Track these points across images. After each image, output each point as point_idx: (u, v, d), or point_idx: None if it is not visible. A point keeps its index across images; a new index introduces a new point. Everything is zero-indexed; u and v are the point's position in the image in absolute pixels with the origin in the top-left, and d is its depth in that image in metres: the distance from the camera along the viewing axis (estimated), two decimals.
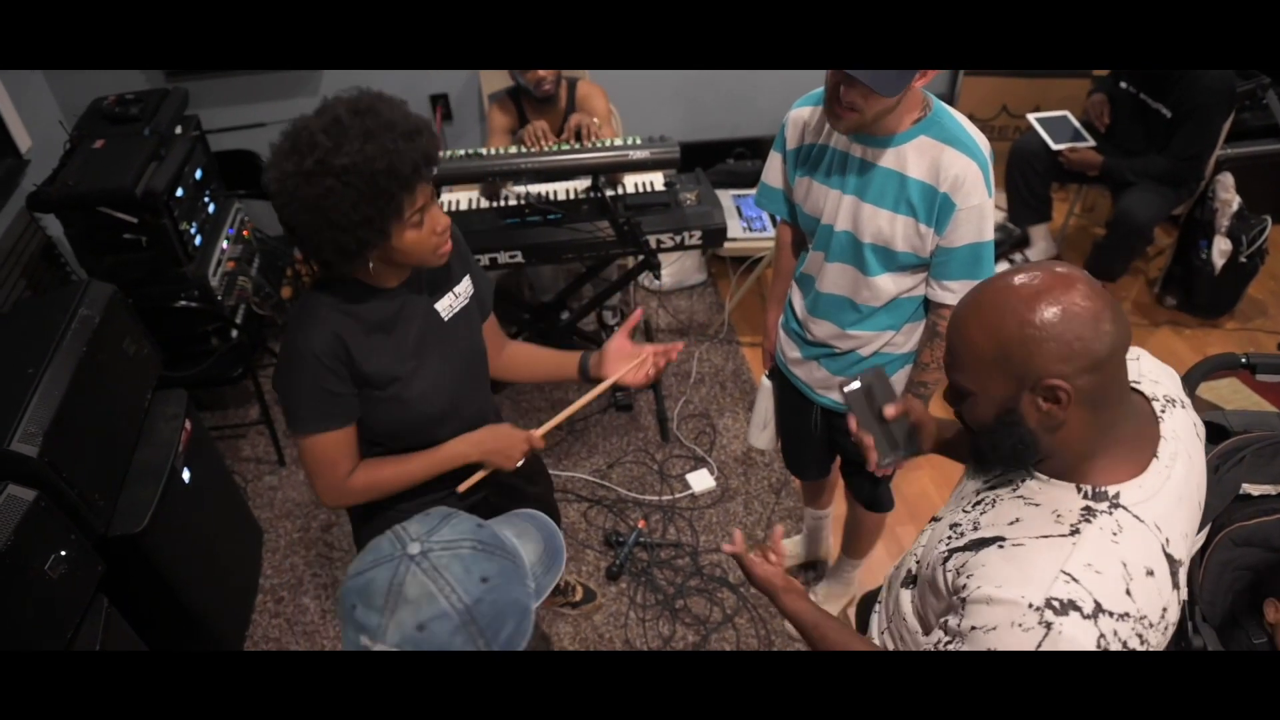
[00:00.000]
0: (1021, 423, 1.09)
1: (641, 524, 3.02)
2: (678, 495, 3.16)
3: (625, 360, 1.77)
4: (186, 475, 2.48)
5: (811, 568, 2.90)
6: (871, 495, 2.37)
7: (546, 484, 2.23)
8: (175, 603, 2.37)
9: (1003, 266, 3.97)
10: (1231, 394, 3.38)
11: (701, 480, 3.19)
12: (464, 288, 1.72)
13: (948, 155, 1.73)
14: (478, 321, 1.78)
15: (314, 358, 1.52)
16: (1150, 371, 1.27)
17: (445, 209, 2.95)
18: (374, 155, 1.34)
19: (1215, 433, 2.09)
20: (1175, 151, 3.46)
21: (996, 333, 1.06)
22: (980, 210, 1.77)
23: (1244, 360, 2.18)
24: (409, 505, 1.73)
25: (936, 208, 1.77)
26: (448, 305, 1.68)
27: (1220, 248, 3.64)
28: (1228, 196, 3.60)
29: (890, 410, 1.47)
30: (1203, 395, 2.88)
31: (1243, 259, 3.65)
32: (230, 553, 2.80)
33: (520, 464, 1.73)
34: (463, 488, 1.74)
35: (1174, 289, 3.92)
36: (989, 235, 1.81)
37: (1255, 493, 1.90)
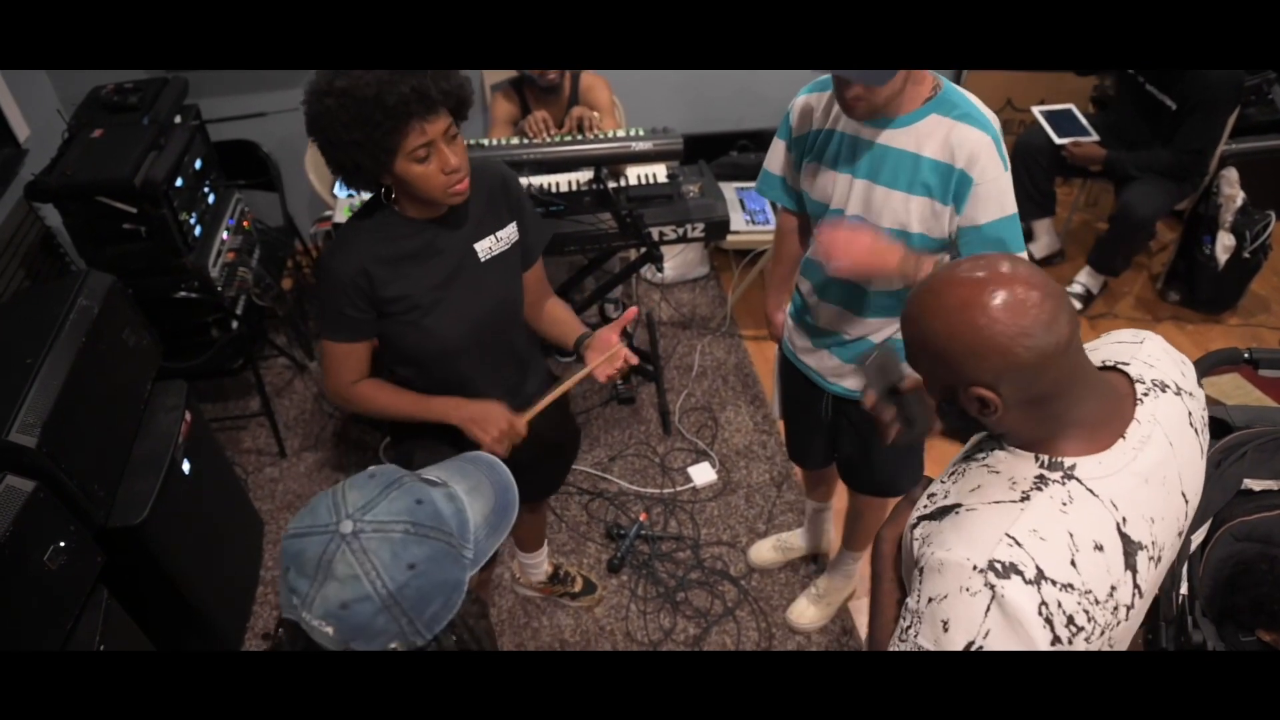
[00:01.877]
0: (961, 409, 1.12)
1: (643, 517, 3.02)
2: (679, 488, 3.16)
3: (604, 352, 1.85)
4: (187, 466, 2.48)
5: (813, 560, 2.90)
6: (884, 480, 2.34)
7: (573, 437, 2.37)
8: (175, 594, 2.37)
9: None
10: (1234, 389, 3.37)
11: (703, 473, 3.19)
12: (508, 233, 1.82)
13: (959, 130, 1.72)
14: (517, 268, 1.88)
15: (337, 280, 1.68)
16: (1150, 355, 1.26)
17: None
18: (366, 83, 1.48)
19: (1218, 428, 2.08)
20: (1179, 145, 3.44)
21: (927, 339, 1.09)
22: (999, 184, 1.74)
23: (1247, 355, 2.17)
24: (428, 438, 1.88)
25: (954, 185, 1.75)
26: (487, 247, 1.79)
27: (1224, 243, 3.63)
28: (1232, 192, 3.59)
29: (908, 382, 1.51)
30: (1205, 390, 2.87)
31: (1246, 254, 3.64)
32: (231, 544, 2.80)
33: (502, 450, 1.75)
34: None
35: (1177, 284, 3.91)
36: (1012, 208, 1.77)
37: (1257, 488, 1.90)
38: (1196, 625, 1.81)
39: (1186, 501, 1.21)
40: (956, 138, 1.72)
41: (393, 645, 0.97)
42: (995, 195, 1.75)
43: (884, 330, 2.00)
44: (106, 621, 2.03)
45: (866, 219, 1.85)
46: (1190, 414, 1.23)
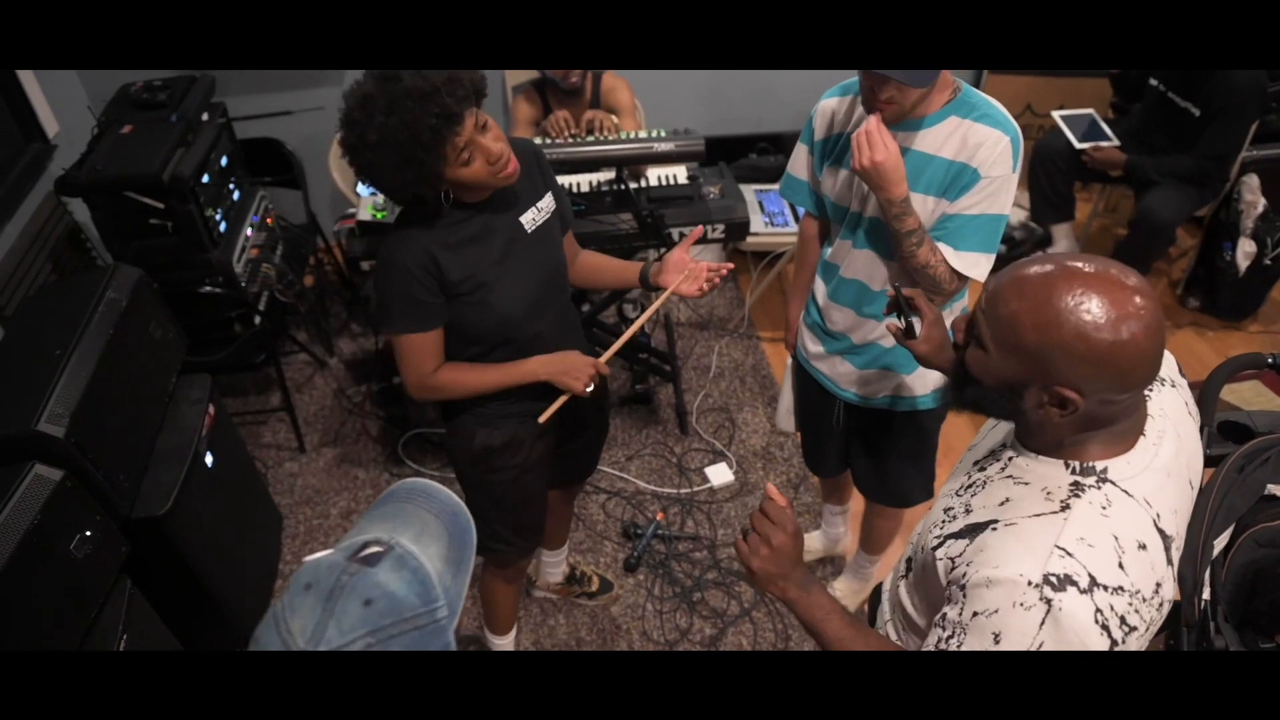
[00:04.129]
0: (1018, 404, 1.11)
1: (660, 516, 3.02)
2: (696, 488, 3.16)
3: (681, 272, 1.93)
4: (209, 460, 2.50)
5: (830, 562, 2.90)
6: (896, 491, 2.36)
7: (605, 415, 2.38)
8: (197, 586, 2.39)
9: None
10: (1254, 396, 3.36)
11: (720, 474, 3.20)
12: (546, 203, 1.89)
13: (977, 131, 1.74)
14: (559, 235, 1.94)
15: (406, 269, 1.71)
16: None
17: None
18: (396, 129, 1.53)
19: (1240, 433, 2.08)
20: (1202, 150, 3.43)
21: (1049, 329, 1.02)
22: (1003, 183, 1.76)
23: (1270, 360, 2.16)
24: (487, 410, 1.94)
25: (962, 180, 1.76)
26: (531, 219, 1.84)
27: (1245, 250, 3.61)
28: (1253, 198, 3.58)
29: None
30: (1223, 397, 2.85)
31: (1267, 261, 3.63)
32: (251, 538, 2.82)
33: (590, 390, 1.88)
34: (543, 418, 1.89)
35: (1197, 291, 3.90)
36: (1004, 210, 1.79)
37: None
38: (1219, 630, 1.80)
39: (1193, 489, 1.23)
40: (975, 137, 1.74)
41: None
42: (994, 192, 1.76)
43: (892, 339, 2.00)
44: (129, 611, 2.05)
45: (882, 219, 1.86)
46: (1186, 403, 1.26)
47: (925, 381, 2.07)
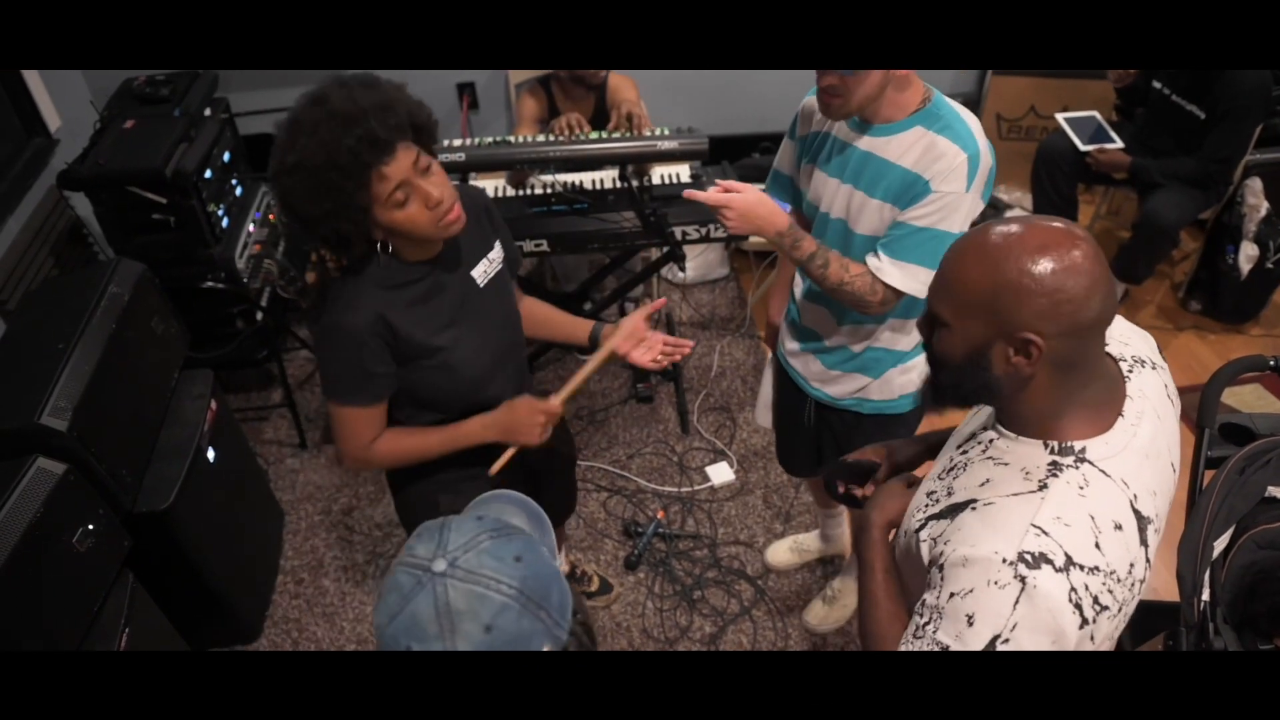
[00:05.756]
0: (988, 368, 1.11)
1: (660, 515, 3.03)
2: (697, 487, 3.17)
3: (636, 340, 1.84)
4: (211, 455, 2.50)
5: (829, 562, 2.90)
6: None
7: (571, 445, 2.29)
8: (199, 580, 2.40)
9: None
10: (1255, 400, 3.37)
11: (721, 473, 3.20)
12: (496, 253, 1.78)
13: (939, 143, 1.70)
14: (510, 285, 1.85)
15: (356, 336, 1.56)
16: (1120, 334, 1.28)
17: None
18: (313, 150, 1.39)
19: (1241, 435, 2.08)
20: (1207, 153, 3.43)
21: (993, 274, 1.05)
22: (953, 200, 1.71)
23: (1272, 363, 2.16)
24: (446, 475, 1.80)
25: (914, 191, 1.73)
26: (483, 272, 1.73)
27: (1247, 253, 3.61)
28: (1256, 202, 3.58)
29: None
30: (1224, 400, 2.86)
31: (1269, 265, 3.62)
32: (252, 533, 2.82)
33: (546, 437, 1.74)
34: (494, 470, 1.74)
35: (1199, 294, 3.90)
36: (953, 229, 1.73)
37: None
38: (1218, 632, 1.80)
39: (1175, 471, 1.23)
40: (934, 150, 1.71)
41: (546, 646, 0.95)
42: (943, 208, 1.72)
43: (862, 338, 2.00)
44: (132, 605, 2.06)
45: (847, 223, 1.85)
46: (1166, 386, 1.26)
47: (893, 387, 2.06)
